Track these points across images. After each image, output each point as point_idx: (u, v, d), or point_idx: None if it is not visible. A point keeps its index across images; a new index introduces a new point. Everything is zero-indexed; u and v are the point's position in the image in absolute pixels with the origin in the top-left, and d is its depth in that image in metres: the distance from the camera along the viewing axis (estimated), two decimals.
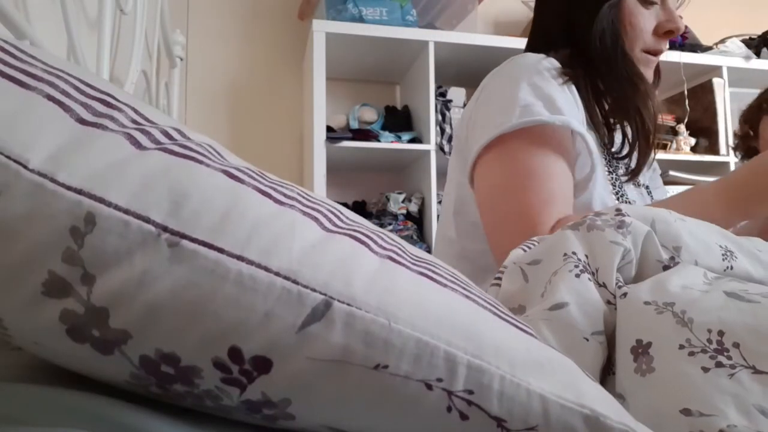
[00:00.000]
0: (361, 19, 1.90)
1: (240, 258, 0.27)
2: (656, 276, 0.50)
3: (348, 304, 0.29)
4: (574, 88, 0.84)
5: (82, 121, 0.30)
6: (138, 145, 0.30)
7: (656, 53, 0.89)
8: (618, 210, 0.55)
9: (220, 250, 0.27)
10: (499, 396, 0.31)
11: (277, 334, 0.28)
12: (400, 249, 0.37)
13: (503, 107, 0.78)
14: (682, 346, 0.41)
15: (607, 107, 0.87)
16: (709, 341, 0.40)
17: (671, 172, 2.14)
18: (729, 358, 0.38)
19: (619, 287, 0.49)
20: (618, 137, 0.88)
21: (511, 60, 0.88)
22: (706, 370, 0.38)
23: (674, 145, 2.27)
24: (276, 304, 0.27)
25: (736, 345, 0.39)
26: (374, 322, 0.29)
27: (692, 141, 2.29)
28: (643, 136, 0.84)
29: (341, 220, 0.36)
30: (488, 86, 0.87)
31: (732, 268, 0.54)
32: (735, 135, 1.69)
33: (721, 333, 0.40)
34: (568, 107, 0.78)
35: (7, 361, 0.34)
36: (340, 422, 0.31)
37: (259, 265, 0.28)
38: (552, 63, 0.85)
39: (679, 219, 0.56)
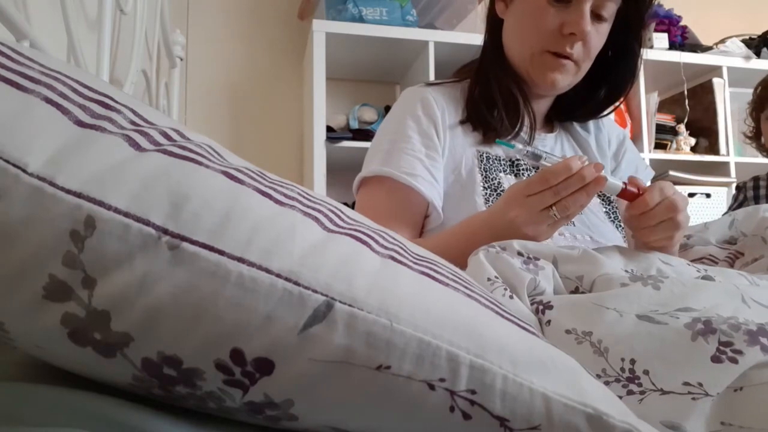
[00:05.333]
0: (361, 19, 1.90)
1: (241, 260, 0.27)
2: (580, 296, 0.55)
3: (349, 305, 0.29)
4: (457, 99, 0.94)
5: (81, 123, 0.29)
6: (137, 146, 0.30)
7: (560, 55, 0.84)
8: (519, 253, 0.61)
9: (221, 252, 0.27)
10: (501, 395, 0.31)
11: (278, 335, 0.27)
12: (401, 248, 0.37)
13: (374, 149, 0.92)
14: (599, 376, 0.45)
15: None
16: (623, 369, 0.45)
17: (671, 172, 2.14)
18: (639, 385, 0.43)
19: (542, 308, 0.53)
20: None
21: (402, 94, 0.98)
22: (619, 398, 0.42)
23: (674, 145, 2.27)
24: (277, 305, 0.27)
25: (646, 372, 0.44)
26: (376, 322, 0.29)
27: (692, 141, 2.28)
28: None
29: (342, 220, 0.36)
30: (385, 118, 0.98)
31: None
32: (745, 135, 1.71)
33: (632, 361, 0.45)
34: (423, 148, 0.88)
35: (8, 360, 0.34)
36: (342, 423, 0.31)
37: (260, 267, 0.28)
38: (431, 95, 0.92)
39: (582, 250, 0.62)
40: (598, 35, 0.85)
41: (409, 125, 0.89)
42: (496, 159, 0.89)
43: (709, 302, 0.49)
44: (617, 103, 0.99)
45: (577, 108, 0.99)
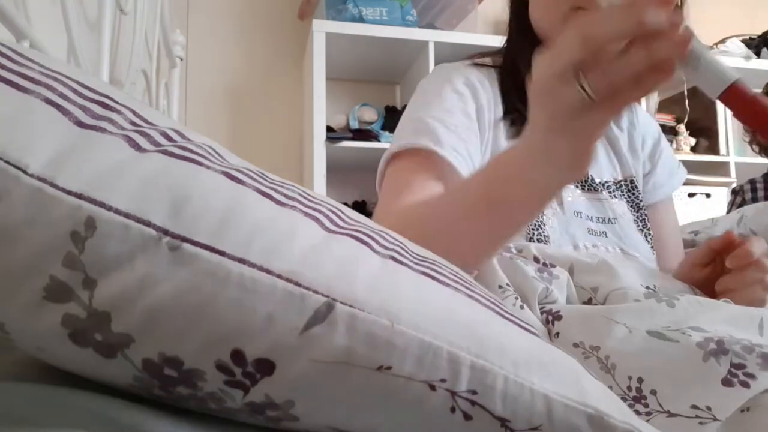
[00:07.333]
0: (361, 19, 1.90)
1: (241, 260, 0.27)
2: (590, 308, 0.53)
3: (350, 306, 0.29)
4: (493, 85, 0.86)
5: (81, 124, 0.29)
6: (137, 147, 0.30)
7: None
8: (536, 258, 0.59)
9: (222, 253, 0.27)
10: (502, 396, 0.31)
11: (279, 336, 0.27)
12: (402, 248, 0.37)
13: (404, 123, 0.83)
14: None
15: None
16: (629, 388, 0.43)
17: None
18: (646, 405, 0.42)
19: (552, 318, 0.52)
20: None
21: (434, 69, 0.90)
22: None
23: (674, 145, 2.27)
24: (278, 306, 0.27)
25: (654, 392, 0.42)
26: (377, 323, 0.29)
27: (692, 141, 2.29)
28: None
29: (342, 220, 0.36)
30: (415, 91, 0.89)
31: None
32: (745, 130, 1.72)
33: (640, 380, 0.43)
34: (463, 123, 0.79)
35: (8, 360, 0.34)
36: (343, 423, 0.31)
37: (260, 268, 0.27)
38: (468, 72, 0.84)
39: (601, 260, 0.59)
40: None
41: (453, 102, 0.80)
42: None
43: (723, 324, 0.47)
44: None
45: None
